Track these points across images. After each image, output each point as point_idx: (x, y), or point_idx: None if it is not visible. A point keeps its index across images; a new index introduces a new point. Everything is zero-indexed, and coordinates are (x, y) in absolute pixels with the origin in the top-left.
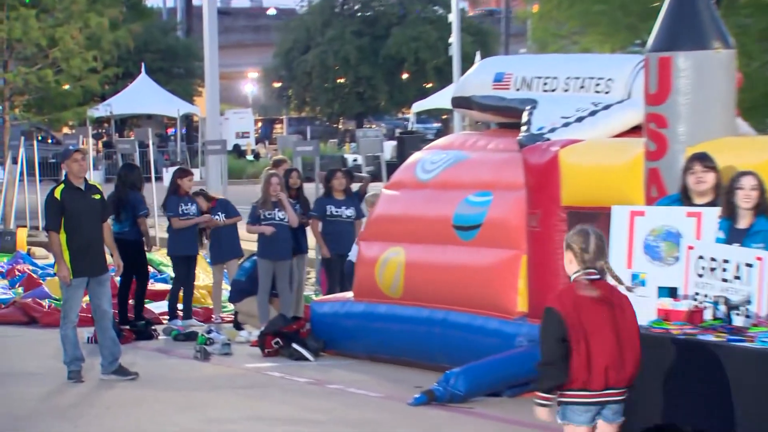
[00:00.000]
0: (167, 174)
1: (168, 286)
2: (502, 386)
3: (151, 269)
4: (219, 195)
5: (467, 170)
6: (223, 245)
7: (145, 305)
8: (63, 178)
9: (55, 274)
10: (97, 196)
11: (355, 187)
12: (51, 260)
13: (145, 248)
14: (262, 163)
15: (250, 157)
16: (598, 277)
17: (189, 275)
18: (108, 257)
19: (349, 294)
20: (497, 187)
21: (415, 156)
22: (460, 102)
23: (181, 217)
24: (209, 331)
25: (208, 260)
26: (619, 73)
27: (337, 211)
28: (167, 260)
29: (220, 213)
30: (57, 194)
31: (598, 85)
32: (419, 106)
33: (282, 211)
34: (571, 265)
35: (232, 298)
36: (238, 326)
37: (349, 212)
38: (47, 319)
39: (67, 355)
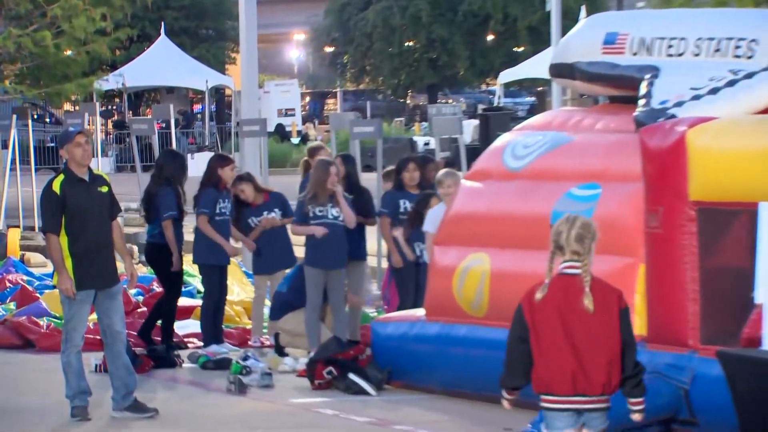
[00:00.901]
0: (193, 161)
1: (194, 302)
2: (615, 429)
3: None
4: (269, 186)
5: (569, 156)
6: (273, 251)
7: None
8: (63, 166)
9: (54, 287)
10: (105, 189)
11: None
12: (50, 269)
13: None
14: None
15: (295, 140)
16: (578, 271)
17: (223, 287)
18: (119, 265)
19: (421, 312)
20: (607, 177)
21: (504, 139)
22: (560, 70)
23: (217, 216)
24: (245, 358)
25: (244, 269)
26: (765, 33)
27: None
28: (192, 269)
29: (276, 210)
30: (55, 187)
31: (738, 47)
32: (508, 75)
33: (336, 207)
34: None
35: (273, 315)
36: (280, 351)
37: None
38: (45, 342)
39: (70, 388)
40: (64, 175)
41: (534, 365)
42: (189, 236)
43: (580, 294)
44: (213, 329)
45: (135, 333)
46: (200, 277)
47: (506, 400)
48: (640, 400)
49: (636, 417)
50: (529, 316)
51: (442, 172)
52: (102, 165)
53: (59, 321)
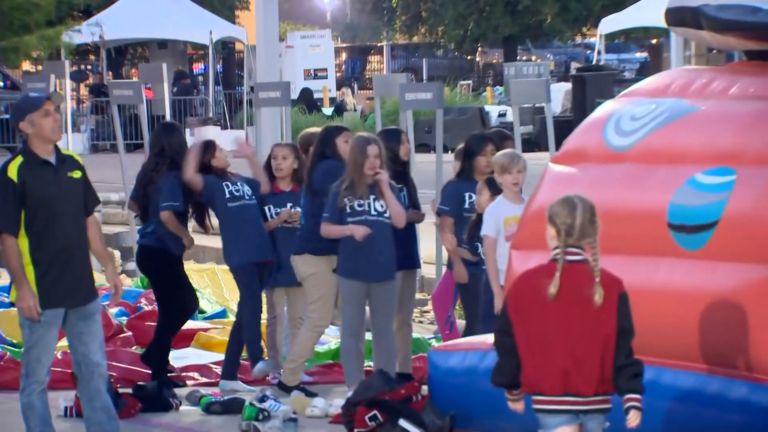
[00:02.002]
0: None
1: (195, 325)
2: None
3: None
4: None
5: (693, 132)
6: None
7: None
8: (21, 145)
9: (12, 304)
10: (77, 174)
11: None
12: (5, 281)
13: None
14: (349, 120)
15: (327, 110)
16: (581, 258)
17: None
18: (97, 276)
19: (492, 338)
20: (745, 160)
21: (605, 108)
22: (680, 16)
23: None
24: (263, 399)
25: None
26: None
27: None
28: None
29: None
30: (11, 173)
31: None
32: (611, 23)
33: (380, 200)
34: (552, 242)
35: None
36: (308, 390)
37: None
38: (1, 377)
39: None
40: (22, 157)
41: (522, 363)
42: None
43: (589, 284)
44: (227, 358)
45: (116, 364)
46: (204, 291)
47: (512, 402)
48: (636, 396)
49: (632, 419)
50: (523, 306)
51: (503, 153)
52: (73, 143)
53: (17, 351)
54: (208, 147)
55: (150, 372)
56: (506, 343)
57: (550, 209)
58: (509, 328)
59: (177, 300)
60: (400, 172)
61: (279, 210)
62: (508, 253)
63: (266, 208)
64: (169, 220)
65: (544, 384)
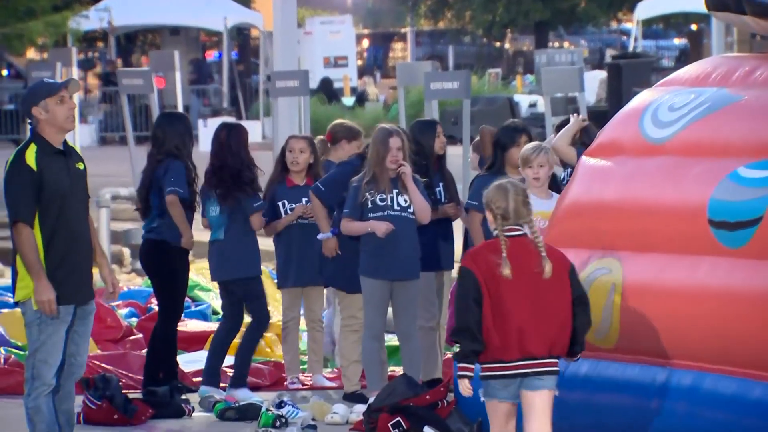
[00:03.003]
0: (206, 130)
1: (209, 326)
2: None
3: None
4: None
5: (735, 123)
6: (307, 255)
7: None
8: (30, 133)
9: (16, 304)
10: (82, 166)
11: None
12: (7, 281)
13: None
14: (371, 110)
15: (348, 100)
16: (521, 233)
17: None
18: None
19: None
20: None
21: (642, 98)
22: (721, 0)
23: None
24: (280, 405)
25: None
26: None
27: None
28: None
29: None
30: (30, 160)
31: None
32: (648, 8)
33: (404, 195)
34: (491, 226)
35: None
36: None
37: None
38: (2, 381)
39: None
40: (35, 145)
41: (484, 331)
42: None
43: (536, 257)
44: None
45: (124, 372)
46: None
47: (464, 378)
48: (576, 360)
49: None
50: (484, 278)
51: (527, 146)
52: (80, 135)
53: (22, 353)
54: None
55: (161, 376)
56: (478, 315)
57: (485, 196)
58: (480, 298)
59: (180, 299)
60: (436, 166)
61: (293, 205)
62: None
63: (280, 203)
64: (173, 204)
65: (503, 350)
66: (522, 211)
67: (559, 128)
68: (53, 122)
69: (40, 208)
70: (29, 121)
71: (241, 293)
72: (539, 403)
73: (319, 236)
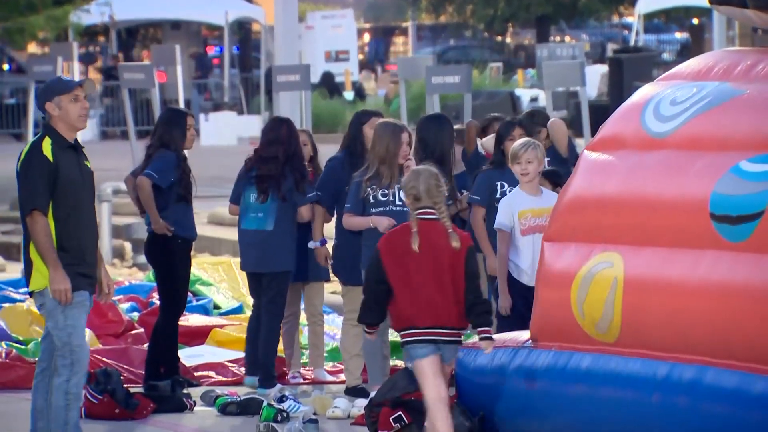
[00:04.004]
0: (207, 124)
1: (210, 321)
2: None
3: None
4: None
5: (737, 117)
6: (310, 251)
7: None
8: (43, 127)
9: (30, 294)
10: (88, 163)
11: None
12: (9, 274)
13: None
14: (371, 105)
15: (349, 94)
16: (434, 216)
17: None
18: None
19: (525, 334)
20: None
21: (644, 92)
22: None
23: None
24: (281, 399)
25: None
26: None
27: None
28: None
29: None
30: (47, 151)
31: None
32: (649, 2)
33: None
34: (408, 207)
35: None
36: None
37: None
38: (3, 376)
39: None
40: (50, 138)
41: (396, 303)
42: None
43: (444, 236)
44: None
45: (126, 366)
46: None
47: (368, 334)
48: (488, 329)
49: (486, 347)
50: (394, 257)
51: (518, 142)
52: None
53: (23, 347)
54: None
55: (162, 371)
56: (379, 290)
57: (402, 182)
58: (383, 278)
59: (182, 292)
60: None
61: None
62: (523, 247)
63: None
64: (142, 187)
65: (417, 318)
66: (433, 192)
67: (530, 116)
68: (65, 119)
69: (54, 199)
70: (43, 115)
71: (273, 285)
72: (444, 370)
73: (310, 244)
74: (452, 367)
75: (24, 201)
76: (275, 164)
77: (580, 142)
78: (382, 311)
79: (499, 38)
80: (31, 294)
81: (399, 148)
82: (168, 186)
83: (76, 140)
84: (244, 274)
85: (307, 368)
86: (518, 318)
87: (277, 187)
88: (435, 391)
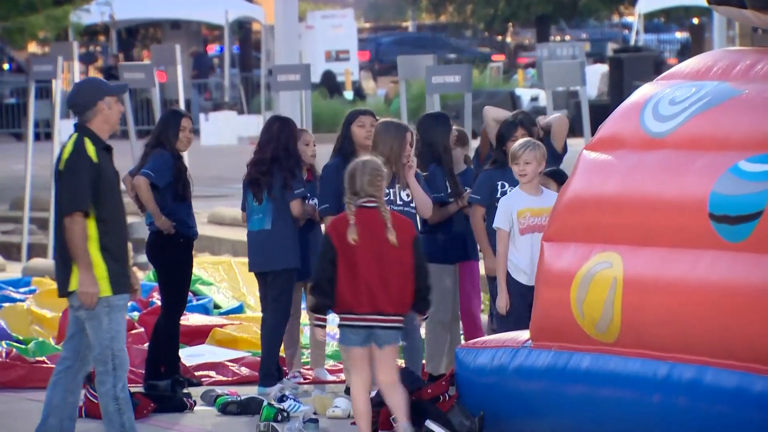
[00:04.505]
0: (207, 124)
1: (210, 320)
2: None
3: None
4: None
5: (736, 117)
6: (312, 249)
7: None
8: (79, 128)
9: (68, 294)
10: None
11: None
12: (10, 274)
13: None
14: (371, 105)
15: (349, 94)
16: (374, 205)
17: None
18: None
19: (525, 335)
20: None
21: (643, 92)
22: None
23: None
24: (282, 398)
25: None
26: None
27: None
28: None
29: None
30: (90, 152)
31: None
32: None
33: (406, 190)
34: (348, 197)
35: None
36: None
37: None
38: (4, 376)
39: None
40: (89, 138)
41: (339, 287)
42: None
43: (383, 227)
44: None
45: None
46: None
47: (318, 327)
48: (424, 315)
49: (421, 323)
50: (340, 241)
51: (518, 143)
52: None
53: (24, 347)
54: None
55: (162, 370)
56: (333, 271)
57: (344, 175)
58: (335, 259)
59: (183, 291)
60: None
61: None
62: (522, 247)
63: None
64: (140, 187)
65: (355, 305)
66: (369, 188)
67: (459, 139)
68: (109, 119)
69: (97, 200)
70: (76, 113)
71: (277, 284)
72: (386, 355)
73: None
74: (394, 349)
75: (66, 202)
76: (263, 165)
77: (580, 142)
78: (333, 293)
79: (500, 38)
80: (67, 295)
81: (403, 149)
82: (165, 185)
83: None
84: (244, 273)
85: (307, 368)
86: (517, 317)
87: (268, 188)
88: (380, 380)
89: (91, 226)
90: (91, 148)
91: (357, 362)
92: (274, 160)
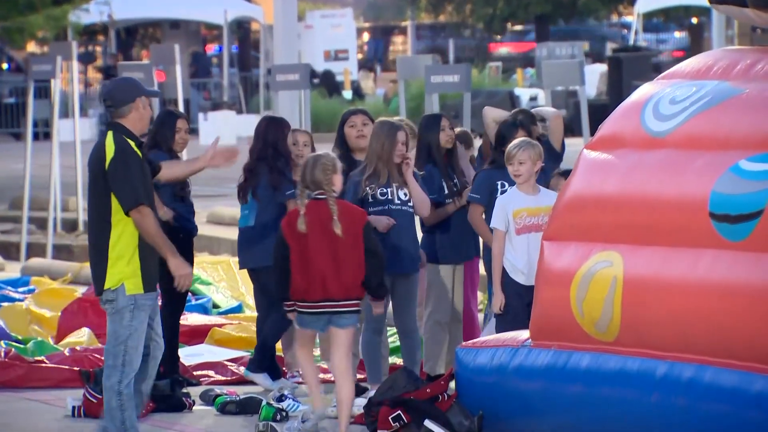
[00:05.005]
0: (206, 123)
1: (209, 320)
2: None
3: None
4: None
5: (737, 116)
6: None
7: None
8: (113, 126)
9: (101, 292)
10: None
11: None
12: (9, 273)
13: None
14: (370, 104)
15: (348, 93)
16: (324, 196)
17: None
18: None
19: (525, 334)
20: None
21: (643, 91)
22: None
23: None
24: (281, 398)
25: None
26: None
27: None
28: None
29: None
30: (135, 147)
31: None
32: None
33: (404, 188)
34: (300, 190)
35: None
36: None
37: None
38: (2, 375)
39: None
40: (126, 136)
41: (293, 277)
42: (209, 230)
43: (331, 219)
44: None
45: None
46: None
47: (289, 313)
48: (381, 300)
49: (377, 308)
50: (289, 237)
51: (513, 143)
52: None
53: (23, 347)
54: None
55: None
56: (287, 265)
57: (300, 166)
58: (288, 253)
59: (182, 292)
60: (445, 159)
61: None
62: (519, 246)
63: (288, 193)
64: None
65: (308, 293)
66: (321, 181)
67: (461, 137)
68: (143, 118)
69: None
70: (110, 108)
71: (266, 281)
72: (341, 338)
73: None
74: (350, 332)
75: (127, 197)
76: (250, 164)
77: (579, 142)
78: (287, 283)
79: (499, 37)
80: (101, 293)
81: (394, 147)
82: (162, 184)
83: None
84: (243, 273)
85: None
86: (514, 317)
87: (253, 186)
88: (333, 363)
89: (131, 224)
90: (134, 146)
91: (305, 341)
92: (260, 159)
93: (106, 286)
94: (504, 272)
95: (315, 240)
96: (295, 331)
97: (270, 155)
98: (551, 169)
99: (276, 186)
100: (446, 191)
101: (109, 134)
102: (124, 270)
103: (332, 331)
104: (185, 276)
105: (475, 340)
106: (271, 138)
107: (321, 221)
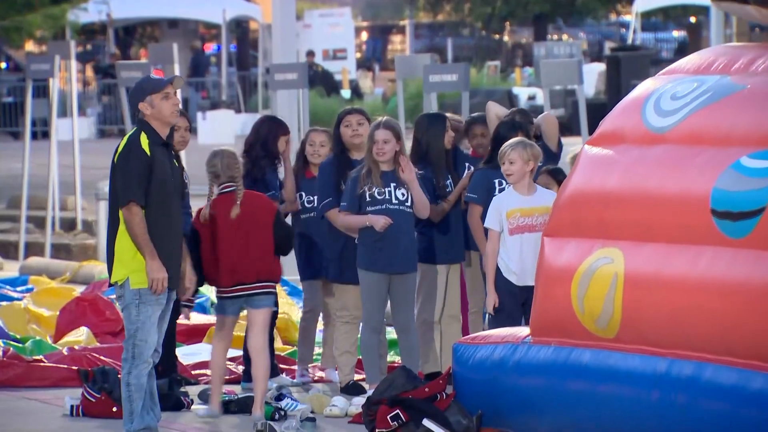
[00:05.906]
0: (204, 122)
1: (208, 319)
2: None
3: None
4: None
5: (738, 112)
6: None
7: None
8: (138, 123)
9: (110, 285)
10: (176, 163)
11: None
12: (8, 273)
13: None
14: (369, 103)
15: (346, 92)
16: (232, 188)
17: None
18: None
19: (525, 330)
20: None
21: (644, 87)
22: None
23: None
24: (280, 397)
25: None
26: None
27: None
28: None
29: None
30: (144, 145)
31: None
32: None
33: (402, 188)
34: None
35: None
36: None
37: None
38: (2, 374)
39: (140, 421)
40: (145, 133)
41: (204, 266)
42: None
43: (249, 206)
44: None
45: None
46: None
47: (184, 308)
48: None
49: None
50: (204, 225)
51: (507, 143)
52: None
53: (21, 346)
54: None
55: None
56: (194, 254)
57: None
58: (197, 245)
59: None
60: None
61: (312, 197)
62: (512, 247)
63: (298, 195)
64: None
65: (220, 280)
66: (227, 171)
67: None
68: (159, 116)
69: (147, 194)
70: (136, 111)
71: None
72: (257, 318)
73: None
74: (265, 312)
75: (121, 192)
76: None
77: (577, 141)
78: (201, 272)
79: (497, 36)
80: (111, 285)
81: (373, 146)
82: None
83: (168, 137)
84: None
85: (314, 365)
86: (508, 317)
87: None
88: (250, 342)
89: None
90: (145, 142)
91: (224, 328)
92: (247, 153)
93: (113, 280)
94: (498, 272)
95: (224, 230)
96: (216, 320)
97: (257, 151)
98: None
99: (255, 181)
100: (435, 192)
101: (131, 131)
102: (129, 264)
103: (248, 312)
104: (159, 280)
105: (474, 336)
106: (263, 135)
107: (226, 211)
